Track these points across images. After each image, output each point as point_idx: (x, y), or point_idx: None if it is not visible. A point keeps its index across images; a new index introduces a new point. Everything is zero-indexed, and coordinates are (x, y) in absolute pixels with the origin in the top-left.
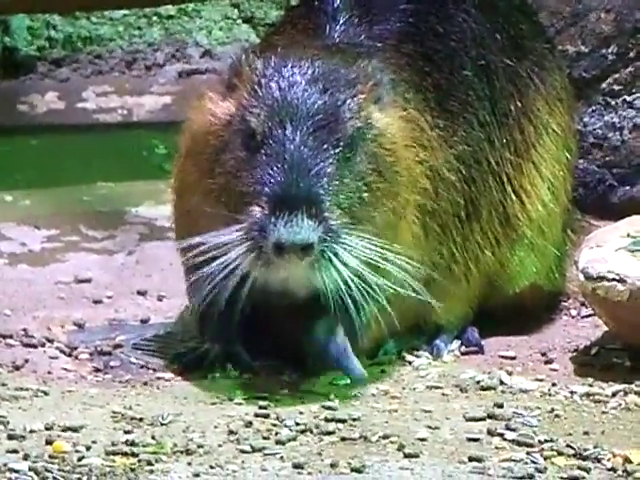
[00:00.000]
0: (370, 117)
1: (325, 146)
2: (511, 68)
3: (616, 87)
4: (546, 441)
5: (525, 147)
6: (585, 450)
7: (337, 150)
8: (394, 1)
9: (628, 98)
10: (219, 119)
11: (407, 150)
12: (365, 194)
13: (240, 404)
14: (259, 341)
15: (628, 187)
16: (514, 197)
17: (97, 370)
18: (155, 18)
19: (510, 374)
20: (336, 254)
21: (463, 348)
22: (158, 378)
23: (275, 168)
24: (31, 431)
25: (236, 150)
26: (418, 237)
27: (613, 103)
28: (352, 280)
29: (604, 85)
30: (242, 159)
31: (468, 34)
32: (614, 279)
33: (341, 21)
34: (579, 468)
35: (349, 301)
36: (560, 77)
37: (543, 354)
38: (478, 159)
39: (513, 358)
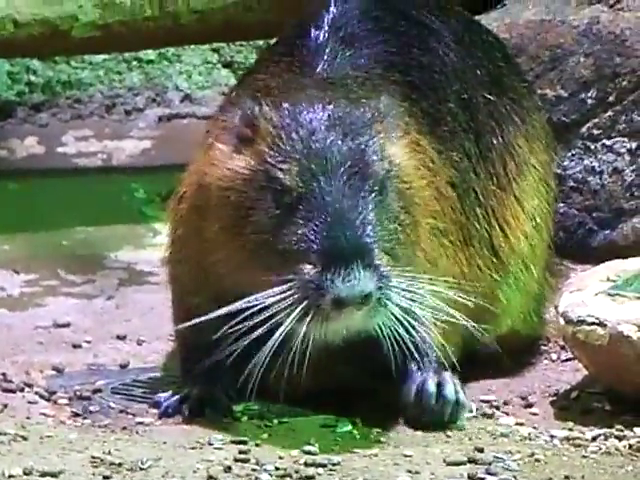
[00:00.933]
0: (391, 155)
1: (361, 193)
2: (492, 104)
3: (595, 131)
4: None
5: (507, 181)
6: None
7: (372, 195)
8: (376, 34)
9: (607, 142)
10: (239, 174)
11: (417, 176)
12: (400, 234)
13: (219, 449)
14: (243, 384)
15: (608, 231)
16: (498, 229)
17: (76, 415)
18: (135, 62)
19: (490, 418)
20: (390, 299)
21: None
22: (137, 423)
23: (318, 223)
24: (10, 476)
25: (268, 208)
26: (435, 261)
27: (593, 147)
28: (406, 320)
29: (584, 129)
30: (277, 216)
31: (450, 67)
32: (594, 323)
33: (325, 55)
34: None
35: (414, 339)
36: (539, 117)
37: (523, 398)
38: (467, 187)
39: (493, 402)
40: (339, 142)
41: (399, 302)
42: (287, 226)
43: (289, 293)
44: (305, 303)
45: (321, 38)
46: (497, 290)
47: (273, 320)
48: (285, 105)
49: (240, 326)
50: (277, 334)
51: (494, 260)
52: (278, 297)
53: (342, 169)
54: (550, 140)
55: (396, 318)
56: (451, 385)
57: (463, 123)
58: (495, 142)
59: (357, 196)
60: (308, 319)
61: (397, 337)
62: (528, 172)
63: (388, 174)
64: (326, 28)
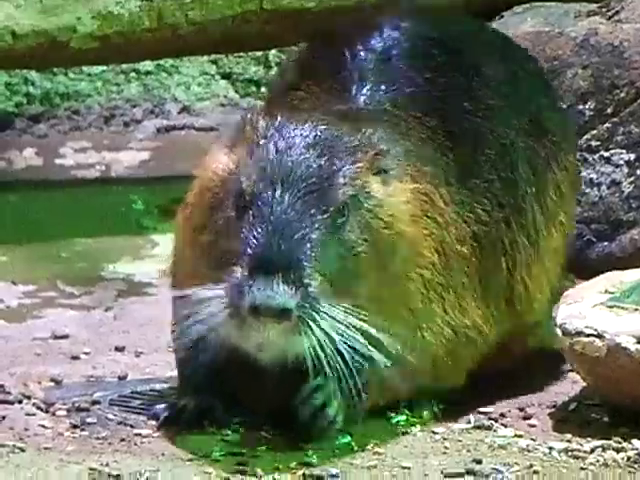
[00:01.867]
0: (368, 186)
1: (313, 211)
2: (530, 149)
3: (594, 143)
4: None
5: (535, 234)
6: None
7: (325, 216)
8: (421, 71)
9: (605, 154)
10: (218, 176)
11: (413, 224)
12: (353, 264)
13: (218, 461)
14: (239, 396)
15: (606, 243)
16: (520, 281)
17: (74, 427)
18: (133, 74)
19: (489, 429)
20: (314, 321)
21: None
22: (136, 435)
23: (258, 230)
24: None
25: (227, 209)
26: (415, 311)
27: (591, 159)
28: (333, 348)
29: (582, 141)
30: (230, 218)
31: (494, 111)
32: (592, 335)
33: (363, 85)
34: None
35: (340, 367)
36: (573, 157)
37: (521, 409)
38: (492, 240)
39: (492, 413)
40: (305, 159)
41: (326, 329)
42: (235, 229)
43: (217, 293)
44: (226, 303)
45: (360, 67)
46: (508, 334)
47: (201, 314)
48: (274, 119)
49: (183, 322)
50: (192, 318)
51: (510, 311)
52: (208, 294)
53: (300, 184)
54: (578, 182)
55: (320, 345)
56: (334, 409)
57: (501, 171)
58: (529, 192)
59: (306, 212)
60: (227, 317)
61: (318, 363)
62: (553, 227)
63: (356, 202)
64: (359, 57)
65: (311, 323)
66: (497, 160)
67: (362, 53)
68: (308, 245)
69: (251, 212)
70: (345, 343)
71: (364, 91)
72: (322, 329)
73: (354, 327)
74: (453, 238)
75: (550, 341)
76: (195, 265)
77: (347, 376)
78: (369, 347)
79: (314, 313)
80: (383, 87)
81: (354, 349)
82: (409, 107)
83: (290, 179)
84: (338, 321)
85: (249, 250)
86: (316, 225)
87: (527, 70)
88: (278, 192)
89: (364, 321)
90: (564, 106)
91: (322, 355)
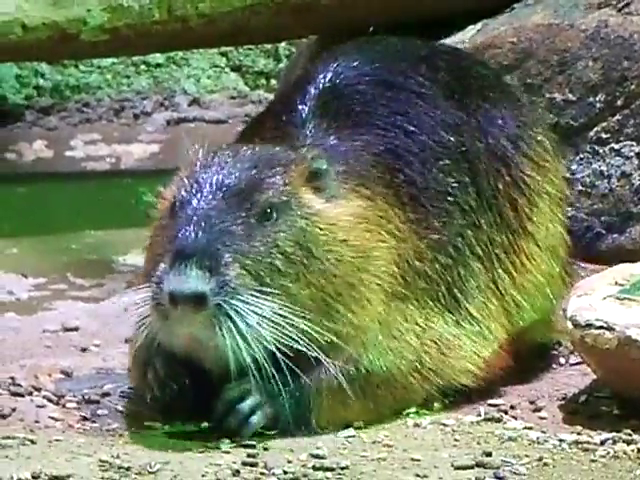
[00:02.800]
0: (300, 196)
1: (234, 209)
2: (491, 145)
3: (604, 135)
4: None
5: (519, 223)
6: None
7: (247, 214)
8: (364, 105)
9: (616, 146)
10: (166, 195)
11: (366, 235)
12: (279, 262)
13: (228, 452)
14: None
15: (616, 235)
16: (506, 276)
17: (85, 419)
18: (143, 66)
19: (499, 422)
20: (236, 311)
21: None
22: (146, 427)
23: (181, 227)
24: None
25: (165, 218)
26: (378, 317)
27: (601, 151)
28: (257, 341)
29: (592, 133)
30: (164, 225)
31: (442, 126)
32: (602, 327)
33: (308, 126)
34: None
35: (265, 362)
36: (542, 130)
37: (531, 402)
38: (457, 246)
39: (502, 406)
40: (237, 170)
41: (248, 318)
42: (165, 233)
43: (147, 290)
44: (151, 299)
45: (307, 111)
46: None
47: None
48: (221, 146)
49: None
50: (134, 321)
51: (502, 303)
52: (139, 295)
53: (225, 189)
54: (557, 149)
55: (240, 334)
56: (252, 402)
57: (460, 177)
58: (501, 185)
59: (227, 210)
60: (155, 317)
61: (238, 353)
62: (541, 202)
63: (285, 207)
64: (312, 93)
65: (231, 313)
66: (454, 169)
67: (314, 89)
68: (226, 237)
69: (179, 215)
70: (275, 338)
71: (315, 122)
72: (243, 319)
73: (286, 322)
74: (411, 254)
75: (559, 334)
76: (144, 273)
77: (273, 372)
78: (306, 344)
79: (233, 302)
80: (328, 126)
81: (289, 347)
82: (355, 140)
83: (217, 186)
84: (264, 314)
85: (171, 245)
86: (236, 220)
87: (474, 74)
88: (203, 196)
89: (298, 317)
90: (574, 98)
91: (242, 347)
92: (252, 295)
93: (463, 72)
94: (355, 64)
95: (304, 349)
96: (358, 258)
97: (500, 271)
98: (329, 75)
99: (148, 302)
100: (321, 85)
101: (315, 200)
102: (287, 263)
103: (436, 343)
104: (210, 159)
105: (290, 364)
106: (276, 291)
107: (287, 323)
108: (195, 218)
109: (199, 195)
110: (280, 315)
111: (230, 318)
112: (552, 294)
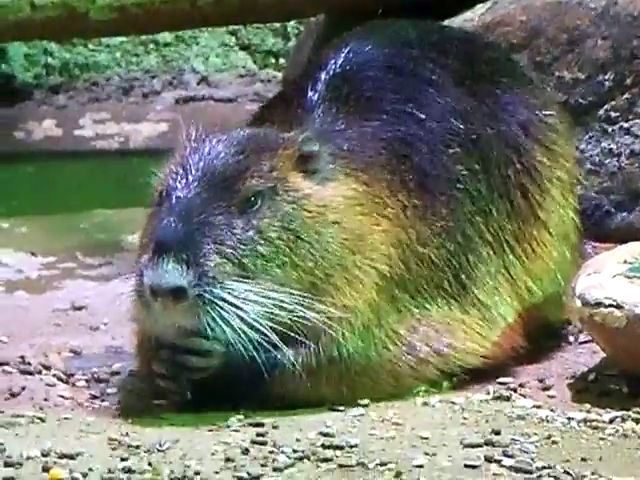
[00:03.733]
0: (285, 179)
1: (216, 198)
2: (502, 130)
3: (613, 114)
4: (544, 468)
5: (530, 209)
6: (583, 477)
7: (229, 202)
8: (373, 91)
9: (625, 125)
10: (156, 183)
11: (360, 219)
12: (262, 248)
13: (237, 431)
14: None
15: (625, 213)
16: (517, 262)
17: (94, 397)
18: (152, 45)
19: (507, 400)
20: (218, 299)
21: None
22: (155, 405)
23: (164, 218)
24: (28, 458)
25: (154, 205)
26: (370, 301)
27: (610, 130)
28: (241, 329)
29: (601, 112)
30: (151, 214)
31: (452, 113)
32: (611, 305)
33: (318, 112)
34: None
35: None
36: (554, 111)
37: (540, 380)
38: (466, 233)
39: (510, 384)
40: (217, 157)
41: (238, 304)
42: (152, 222)
43: (133, 280)
44: (134, 291)
45: (316, 95)
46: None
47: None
48: (215, 130)
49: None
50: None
51: (514, 287)
52: (126, 286)
53: (207, 177)
54: (569, 129)
55: (223, 319)
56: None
57: (470, 164)
58: (512, 172)
59: (209, 200)
60: (139, 306)
61: (223, 338)
62: (553, 188)
63: (271, 192)
64: (321, 82)
65: (212, 301)
66: (464, 156)
67: (324, 74)
68: (206, 228)
69: (164, 204)
70: (259, 322)
71: (324, 106)
72: (225, 306)
73: (271, 305)
74: (413, 239)
75: (568, 312)
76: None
77: (253, 350)
78: (290, 326)
79: (215, 290)
80: (337, 112)
81: (274, 329)
82: (365, 125)
83: (200, 173)
84: (247, 299)
85: (153, 236)
86: (217, 211)
87: (485, 58)
88: (187, 185)
89: (284, 300)
90: (583, 77)
91: (227, 332)
92: (234, 282)
93: (474, 57)
94: (365, 50)
95: (287, 331)
96: (352, 240)
97: (511, 257)
98: (339, 60)
99: (133, 292)
100: (331, 70)
101: (304, 183)
102: (271, 248)
103: (436, 329)
104: (198, 145)
105: (270, 343)
106: (260, 276)
107: (272, 306)
108: (177, 208)
109: (183, 183)
110: (264, 298)
111: (213, 306)
112: (564, 279)
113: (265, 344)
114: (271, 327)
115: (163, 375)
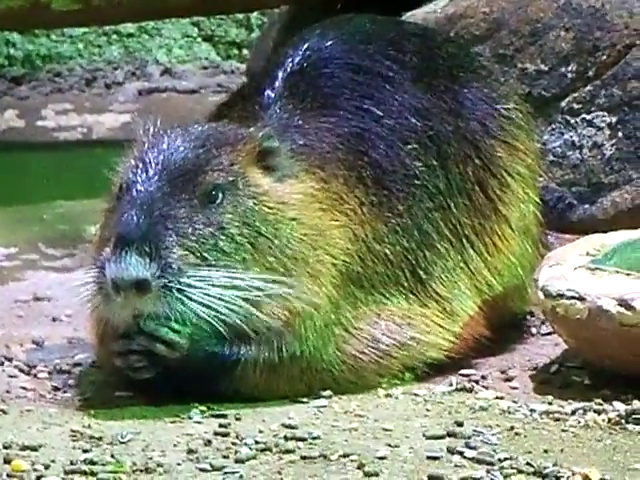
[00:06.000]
0: (246, 175)
1: (177, 192)
2: (461, 126)
3: (575, 105)
4: (506, 459)
5: (490, 205)
6: (545, 468)
7: (190, 196)
8: (331, 88)
9: (587, 117)
10: (113, 177)
11: (319, 215)
12: (223, 243)
13: (199, 422)
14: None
15: (587, 205)
16: (477, 257)
17: (56, 389)
18: (115, 36)
19: (470, 392)
20: (182, 289)
21: None
22: (117, 396)
23: (124, 211)
24: None
25: (113, 200)
26: (330, 297)
27: (573, 121)
28: (206, 317)
29: (563, 104)
30: (110, 208)
31: (409, 110)
32: (573, 297)
33: (277, 108)
34: None
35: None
36: (515, 104)
37: (503, 372)
38: (423, 229)
39: (473, 376)
40: (181, 150)
41: (192, 293)
42: (111, 216)
43: (92, 273)
44: (95, 284)
45: (272, 92)
46: (478, 300)
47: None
48: (172, 124)
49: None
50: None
51: (473, 282)
52: (89, 277)
53: (168, 171)
54: (530, 124)
55: (188, 308)
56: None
57: (428, 161)
58: (470, 169)
59: (170, 193)
60: (100, 300)
61: (186, 328)
62: (513, 182)
63: (231, 187)
64: (277, 75)
65: (176, 291)
66: (422, 152)
67: (282, 71)
68: (168, 221)
69: (124, 198)
70: (223, 313)
71: (281, 103)
72: (189, 296)
73: (235, 297)
74: (370, 236)
75: (531, 304)
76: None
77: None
78: (253, 320)
79: (181, 280)
80: (294, 108)
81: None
82: (322, 121)
83: (160, 167)
84: (210, 291)
85: (114, 230)
86: (179, 203)
87: (444, 53)
88: (147, 178)
89: (247, 293)
90: (546, 68)
91: (191, 322)
92: (198, 272)
93: (432, 53)
94: (323, 46)
95: (254, 319)
96: (311, 236)
97: (471, 252)
98: (297, 57)
99: (94, 285)
100: (289, 67)
101: (264, 179)
102: (233, 243)
103: (397, 323)
104: (157, 139)
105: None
106: (223, 268)
107: (237, 292)
108: (138, 202)
109: (144, 177)
110: (228, 287)
111: (179, 295)
112: (525, 273)
113: (228, 338)
114: (237, 314)
115: (126, 352)
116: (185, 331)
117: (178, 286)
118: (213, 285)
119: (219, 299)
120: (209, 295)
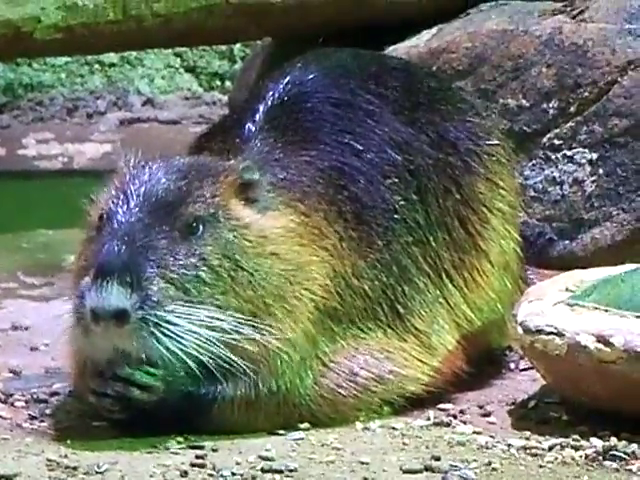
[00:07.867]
0: (229, 208)
1: (158, 223)
2: (442, 161)
3: (557, 141)
4: None
5: (470, 240)
6: None
7: (171, 227)
8: (311, 122)
9: (568, 153)
10: (93, 207)
11: (298, 249)
12: (204, 275)
13: (176, 453)
14: None
15: (567, 241)
16: (457, 292)
17: (33, 418)
18: (97, 66)
19: (447, 426)
20: (160, 323)
21: None
22: (94, 426)
23: (105, 241)
24: None
25: (92, 230)
26: (307, 332)
27: (553, 157)
28: (183, 351)
29: (545, 139)
30: (90, 239)
31: (390, 144)
32: (552, 333)
33: (257, 141)
34: None
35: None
36: (496, 140)
37: (481, 407)
38: (402, 264)
39: (451, 410)
40: (163, 182)
41: (170, 327)
42: (91, 247)
43: (71, 303)
44: (74, 314)
45: (253, 125)
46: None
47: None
48: (154, 156)
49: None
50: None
51: (452, 316)
52: (68, 307)
53: (149, 201)
54: (511, 160)
55: (164, 345)
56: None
57: (408, 195)
58: (450, 204)
59: (152, 224)
60: (77, 330)
61: (163, 362)
62: (493, 218)
63: (212, 219)
64: (259, 112)
65: (154, 325)
66: (402, 187)
67: (263, 105)
68: (149, 251)
69: (104, 229)
70: (200, 348)
71: (261, 136)
72: (167, 331)
73: (212, 333)
74: (349, 271)
75: (510, 339)
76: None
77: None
78: (230, 356)
79: (159, 313)
80: (275, 142)
81: (214, 356)
82: (301, 155)
83: (142, 198)
84: (188, 325)
85: (95, 260)
86: (160, 234)
87: (425, 88)
88: (128, 209)
89: (225, 328)
90: (527, 104)
91: (166, 357)
92: (177, 306)
93: (413, 87)
94: (304, 80)
95: (228, 360)
96: (290, 271)
97: (450, 287)
98: (279, 91)
99: (72, 315)
100: (270, 101)
101: (245, 212)
102: (214, 275)
103: (375, 357)
104: (139, 171)
105: (210, 373)
106: (203, 302)
107: (214, 333)
108: (119, 232)
109: (125, 208)
110: (206, 326)
111: (156, 329)
112: (504, 309)
113: (205, 373)
114: (213, 354)
115: (102, 394)
116: (160, 373)
117: (155, 320)
118: (191, 322)
119: (195, 338)
120: (185, 333)
